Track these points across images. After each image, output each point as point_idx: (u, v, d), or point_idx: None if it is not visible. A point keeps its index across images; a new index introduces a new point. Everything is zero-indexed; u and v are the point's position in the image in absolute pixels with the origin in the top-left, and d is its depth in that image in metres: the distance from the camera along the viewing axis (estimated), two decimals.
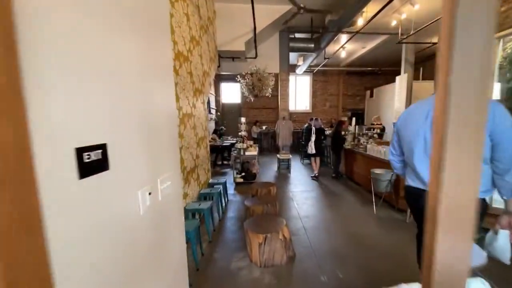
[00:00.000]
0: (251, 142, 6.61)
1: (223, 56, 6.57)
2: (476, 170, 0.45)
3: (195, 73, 3.95)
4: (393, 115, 7.68)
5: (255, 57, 7.16)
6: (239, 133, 6.22)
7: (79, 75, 0.71)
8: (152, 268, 1.11)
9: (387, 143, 5.23)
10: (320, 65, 10.75)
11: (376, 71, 11.90)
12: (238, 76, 5.92)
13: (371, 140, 5.31)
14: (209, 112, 10.33)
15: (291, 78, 12.56)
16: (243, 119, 7.19)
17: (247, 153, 5.51)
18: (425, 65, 9.89)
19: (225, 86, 12.83)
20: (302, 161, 8.95)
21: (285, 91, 7.38)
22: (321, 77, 12.66)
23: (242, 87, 5.94)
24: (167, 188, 1.27)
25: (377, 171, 4.01)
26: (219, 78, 12.44)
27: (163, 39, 1.28)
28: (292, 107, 12.85)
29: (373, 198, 4.02)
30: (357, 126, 6.72)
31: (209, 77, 4.94)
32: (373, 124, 6.19)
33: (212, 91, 11.96)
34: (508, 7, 3.47)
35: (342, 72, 12.52)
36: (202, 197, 3.71)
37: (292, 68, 11.99)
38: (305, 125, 8.86)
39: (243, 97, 12.65)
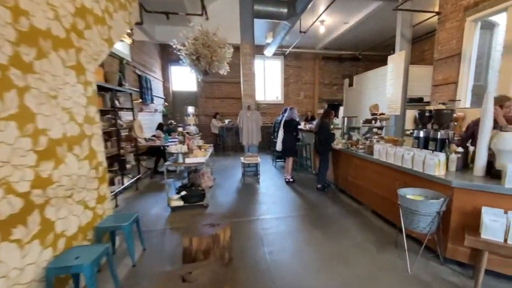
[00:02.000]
0: (200, 141, 4.70)
1: (150, 10, 4.50)
2: None
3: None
4: (386, 104, 6.34)
5: (206, 19, 5.21)
6: (179, 129, 4.26)
7: None
8: None
9: (393, 142, 3.69)
10: (293, 45, 9.12)
11: (357, 55, 10.65)
12: (174, 41, 3.94)
13: (376, 137, 3.73)
14: (151, 101, 8.12)
15: (259, 61, 10.79)
16: (190, 109, 5.23)
17: (188, 160, 3.59)
18: (413, 47, 8.80)
19: (176, 70, 10.61)
20: (274, 163, 7.25)
21: (249, 71, 5.57)
22: (294, 62, 11.08)
23: (183, 59, 3.99)
24: None
25: (411, 192, 2.39)
26: (167, 60, 10.20)
27: None
28: (261, 97, 11.11)
29: (404, 241, 2.39)
30: (345, 119, 5.15)
31: (110, 31, 2.90)
32: (375, 115, 4.65)
33: (159, 75, 9.69)
34: None
35: (317, 57, 11.07)
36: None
37: (260, 49, 10.23)
38: (278, 118, 7.17)
39: (200, 83, 10.61)
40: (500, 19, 6.17)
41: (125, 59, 5.23)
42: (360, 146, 3.78)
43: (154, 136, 7.86)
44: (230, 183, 5.31)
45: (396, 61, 6.35)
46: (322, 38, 9.33)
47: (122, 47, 6.40)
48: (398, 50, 6.32)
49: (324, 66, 11.34)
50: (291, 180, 5.26)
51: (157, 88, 9.26)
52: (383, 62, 10.21)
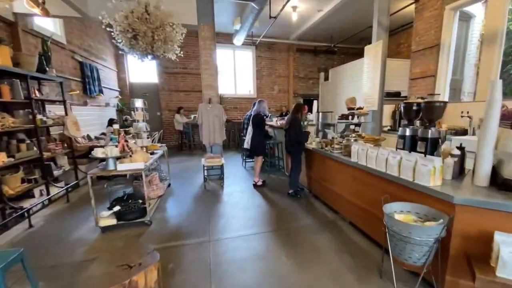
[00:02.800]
0: (146, 141, 3.95)
1: None
2: None
3: None
4: (363, 99, 5.97)
5: None
6: (114, 127, 3.48)
7: None
8: None
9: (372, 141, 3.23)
10: (264, 33, 8.52)
11: (332, 47, 10.32)
12: (104, 14, 3.10)
13: (353, 135, 3.23)
14: (99, 93, 7.12)
15: (228, 51, 10.09)
16: (138, 102, 4.46)
17: (122, 166, 2.84)
18: (389, 39, 8.60)
19: (134, 59, 9.54)
20: (244, 164, 6.64)
21: (209, 57, 4.87)
22: (266, 53, 10.50)
23: (116, 37, 3.18)
24: None
25: (399, 208, 1.89)
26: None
27: None
28: (231, 91, 10.43)
29: (393, 270, 1.88)
30: (320, 114, 4.67)
31: None
32: (352, 109, 4.18)
33: (111, 64, 8.63)
34: None
35: (291, 48, 10.58)
36: None
37: (228, 38, 9.51)
38: (247, 113, 6.56)
39: (163, 74, 9.66)
40: (477, 10, 6.04)
41: (50, 39, 4.29)
42: (336, 146, 3.28)
43: (104, 134, 6.91)
44: (188, 190, 4.61)
45: (373, 52, 5.99)
46: (295, 27, 8.82)
47: (52, 26, 5.39)
48: (375, 41, 5.96)
49: (298, 58, 10.90)
50: (259, 183, 4.69)
51: (108, 78, 8.23)
52: (358, 55, 9.98)
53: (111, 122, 7.15)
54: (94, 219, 2.90)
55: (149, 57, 3.47)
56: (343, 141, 3.18)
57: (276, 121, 6.18)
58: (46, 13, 3.11)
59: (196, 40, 9.44)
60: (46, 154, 3.91)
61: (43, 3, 2.97)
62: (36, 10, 2.90)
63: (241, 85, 10.66)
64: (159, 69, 9.57)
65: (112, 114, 8.17)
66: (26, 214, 3.16)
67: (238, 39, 8.53)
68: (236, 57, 10.37)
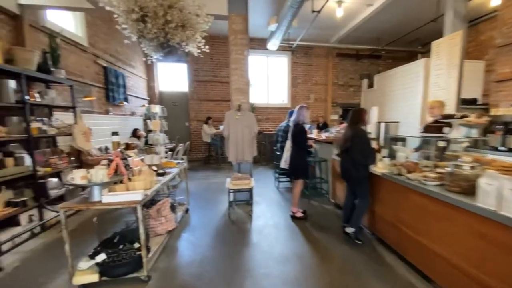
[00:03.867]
0: (156, 157, 3.09)
1: None
2: None
3: None
4: (429, 106, 4.56)
5: None
6: (114, 139, 2.62)
7: None
8: None
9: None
10: (303, 34, 7.53)
11: (378, 50, 9.01)
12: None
13: (469, 159, 1.98)
14: (124, 101, 6.58)
15: (261, 58, 9.23)
16: (156, 108, 3.68)
17: (109, 199, 1.92)
18: None
19: (164, 67, 9.13)
20: (277, 183, 5.56)
21: (240, 55, 3.96)
22: (303, 59, 9.48)
23: (119, 20, 2.36)
24: None
25: None
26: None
27: None
28: (263, 100, 9.53)
29: None
30: (383, 125, 3.47)
31: None
32: (449, 117, 2.85)
33: (142, 73, 8.17)
34: None
35: (331, 53, 9.45)
36: None
37: (262, 43, 8.67)
38: (282, 124, 5.52)
39: (193, 83, 9.04)
40: None
41: (60, 35, 3.67)
42: (430, 175, 2.08)
43: (128, 147, 6.29)
44: (209, 220, 3.63)
45: (446, 47, 4.66)
46: (337, 27, 7.72)
47: (73, 27, 4.88)
48: (448, 33, 4.65)
49: (338, 64, 9.72)
50: (299, 215, 3.57)
51: (136, 86, 7.73)
52: (407, 60, 8.58)
53: (135, 132, 6.53)
54: (68, 272, 2.00)
55: (165, 49, 2.59)
56: (447, 168, 1.98)
57: (318, 133, 5.04)
58: None
59: (227, 46, 8.85)
60: (44, 170, 3.19)
61: None
62: None
63: (274, 94, 9.71)
64: (189, 77, 8.98)
65: (138, 124, 7.61)
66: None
67: (274, 43, 7.62)
68: (269, 64, 9.48)
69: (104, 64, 5.84)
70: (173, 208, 3.15)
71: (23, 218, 2.80)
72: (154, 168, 3.01)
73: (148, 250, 2.18)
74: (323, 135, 4.32)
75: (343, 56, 9.63)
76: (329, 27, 7.63)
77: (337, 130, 4.15)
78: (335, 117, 9.89)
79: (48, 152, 3.55)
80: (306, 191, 4.40)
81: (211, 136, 8.37)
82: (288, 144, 3.52)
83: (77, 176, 1.88)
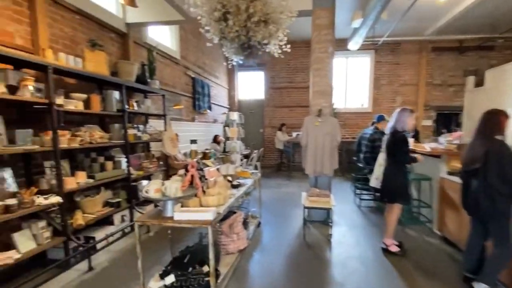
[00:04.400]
0: (231, 167, 2.87)
1: None
2: None
3: None
4: None
5: None
6: (192, 148, 2.50)
7: None
8: None
9: None
10: (391, 29, 6.45)
11: (493, 39, 7.05)
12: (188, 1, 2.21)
13: None
14: (208, 109, 6.85)
15: (340, 59, 8.42)
16: (234, 115, 3.55)
17: (180, 216, 1.72)
18: None
19: (243, 77, 9.31)
20: (357, 200, 4.78)
21: (323, 52, 3.45)
22: (389, 57, 8.24)
23: (203, 24, 2.23)
24: None
25: None
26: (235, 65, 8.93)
27: None
28: (340, 104, 8.67)
29: None
30: None
31: None
32: None
33: (224, 82, 8.49)
34: None
35: (425, 47, 7.92)
36: None
37: (341, 43, 7.86)
38: (366, 131, 4.73)
39: (269, 90, 8.92)
40: None
41: (156, 48, 3.91)
42: None
43: (207, 150, 6.53)
44: (282, 237, 3.22)
45: None
46: (437, 16, 6.33)
47: (169, 42, 5.26)
48: None
49: (434, 60, 8.07)
50: (393, 249, 2.75)
51: (218, 95, 8.03)
52: None
53: (215, 138, 6.73)
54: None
55: (246, 51, 2.35)
56: None
57: (416, 142, 4.05)
58: (131, 3, 2.50)
59: (305, 51, 8.43)
60: (136, 173, 3.39)
61: None
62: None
63: (352, 97, 8.73)
64: (266, 84, 8.90)
65: (219, 130, 7.88)
66: (87, 252, 2.51)
67: (355, 42, 6.78)
68: (348, 65, 8.58)
69: (193, 75, 6.17)
70: (245, 223, 2.88)
71: (117, 218, 2.97)
72: (229, 178, 2.80)
73: (217, 275, 1.91)
74: (427, 146, 3.37)
75: (441, 51, 7.94)
76: (424, 18, 6.34)
77: (448, 141, 3.18)
78: (428, 122, 8.23)
79: (142, 156, 3.79)
80: (401, 217, 3.51)
81: (284, 143, 8.02)
82: (382, 157, 2.82)
83: (152, 189, 1.76)
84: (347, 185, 5.99)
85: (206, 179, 2.20)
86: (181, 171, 2.09)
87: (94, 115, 3.02)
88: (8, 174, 2.08)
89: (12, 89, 1.99)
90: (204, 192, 2.02)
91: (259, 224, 3.51)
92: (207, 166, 2.71)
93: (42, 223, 2.15)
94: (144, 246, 2.62)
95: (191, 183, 1.94)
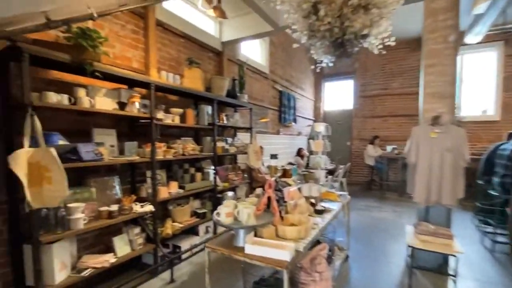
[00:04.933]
0: (315, 188, 2.36)
1: None
2: None
3: None
4: None
5: None
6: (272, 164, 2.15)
7: None
8: None
9: None
10: None
11: None
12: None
13: None
14: (293, 122, 6.55)
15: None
16: (320, 127, 3.15)
17: (252, 249, 1.37)
18: None
19: (330, 87, 8.66)
20: (489, 243, 3.41)
21: (440, 44, 2.51)
22: None
23: (289, 22, 1.88)
24: None
25: None
26: (321, 75, 8.43)
27: None
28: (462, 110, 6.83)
29: None
30: None
31: None
32: None
33: (310, 94, 8.07)
34: None
35: None
36: None
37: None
38: (506, 146, 3.36)
39: (358, 99, 7.93)
40: None
41: (246, 64, 3.87)
42: None
43: (291, 164, 6.19)
44: (377, 283, 2.47)
45: None
46: None
47: (259, 58, 5.25)
48: None
49: None
50: None
51: (303, 107, 7.64)
52: None
53: (299, 151, 6.32)
54: None
55: (338, 49, 1.87)
56: None
57: None
58: (222, 15, 2.44)
59: (404, 53, 7.09)
60: (222, 185, 3.33)
61: (219, 2, 2.28)
62: (211, 12, 2.25)
63: (469, 103, 6.73)
64: (355, 93, 7.96)
65: (303, 143, 7.43)
66: (169, 262, 2.48)
67: (477, 33, 5.14)
68: (464, 63, 6.69)
69: (280, 89, 6.01)
70: (329, 258, 2.31)
71: (202, 228, 2.92)
72: (312, 200, 2.32)
73: None
74: None
75: None
76: None
77: None
78: None
79: (229, 168, 3.74)
80: None
81: (376, 158, 6.83)
82: None
83: (223, 212, 1.49)
84: (467, 217, 4.48)
85: (285, 202, 1.82)
86: (258, 190, 1.78)
87: (189, 129, 3.12)
88: (116, 181, 2.24)
89: (122, 106, 2.13)
90: (282, 217, 1.63)
91: (346, 258, 2.85)
92: (287, 184, 2.32)
93: (137, 229, 2.22)
94: (216, 267, 2.47)
95: (268, 206, 1.59)
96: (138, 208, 2.19)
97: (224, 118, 3.47)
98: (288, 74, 6.62)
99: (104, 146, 2.08)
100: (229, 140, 3.65)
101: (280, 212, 1.66)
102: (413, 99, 6.97)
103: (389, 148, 6.94)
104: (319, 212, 2.16)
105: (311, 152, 6.70)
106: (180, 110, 2.68)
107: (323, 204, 2.41)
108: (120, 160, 2.07)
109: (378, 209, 5.12)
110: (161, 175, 2.71)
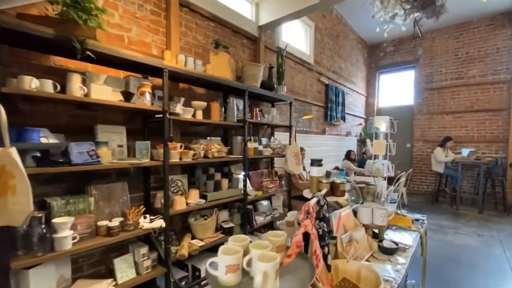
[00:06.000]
0: (379, 215, 1.61)
1: None
2: None
3: None
4: None
5: None
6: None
7: None
8: None
9: None
10: None
11: None
12: None
13: None
14: (342, 120, 5.71)
15: None
16: (382, 124, 2.30)
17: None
18: None
19: (386, 80, 7.46)
20: None
21: None
22: None
23: None
24: None
25: None
26: (376, 67, 7.30)
27: None
28: None
29: None
30: None
31: None
32: None
33: (361, 88, 7.04)
34: None
35: None
36: None
37: None
38: None
39: (422, 92, 6.57)
40: None
41: (284, 50, 3.23)
42: None
43: (337, 168, 5.33)
44: None
45: None
46: None
47: (303, 46, 4.56)
48: None
49: None
50: None
51: (354, 104, 6.66)
52: None
53: (349, 154, 5.43)
54: None
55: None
56: None
57: None
58: None
59: (485, 31, 5.54)
60: (256, 193, 2.77)
61: None
62: None
63: None
64: (417, 86, 6.64)
65: (352, 145, 6.47)
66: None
67: None
68: None
69: (327, 82, 5.22)
70: None
71: None
72: (375, 230, 1.59)
73: None
74: None
75: None
76: None
77: None
78: None
79: (264, 174, 3.17)
80: None
81: (446, 165, 5.51)
82: None
83: (222, 265, 0.86)
84: None
85: (333, 236, 1.15)
86: (291, 216, 1.14)
87: (216, 126, 2.63)
88: (124, 189, 1.84)
89: (128, 96, 1.71)
90: (328, 266, 0.98)
91: None
92: (338, 206, 1.62)
93: (145, 249, 1.78)
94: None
95: (305, 248, 0.96)
96: (146, 223, 1.75)
97: (258, 114, 2.89)
98: (337, 66, 5.75)
99: (108, 146, 1.69)
100: (264, 140, 3.06)
101: (325, 255, 1.00)
102: (499, 89, 5.45)
103: (464, 151, 5.56)
104: (389, 252, 1.43)
105: (364, 156, 5.72)
106: (203, 103, 2.19)
107: (391, 235, 1.66)
108: (122, 163, 1.65)
109: (454, 231, 3.98)
110: (182, 181, 2.26)
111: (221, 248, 0.86)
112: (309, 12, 2.93)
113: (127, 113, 1.94)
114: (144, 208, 1.83)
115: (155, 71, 1.88)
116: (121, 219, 1.70)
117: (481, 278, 2.56)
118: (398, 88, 7.23)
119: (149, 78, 1.92)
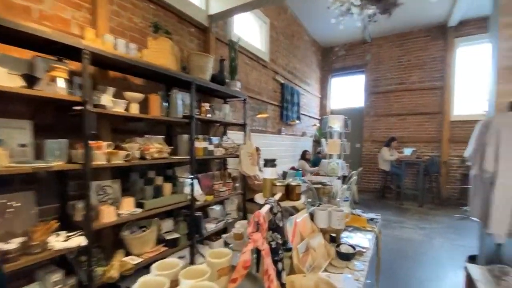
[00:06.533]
0: (339, 218, 1.58)
1: None
2: None
3: None
4: None
5: None
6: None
7: None
8: None
9: None
10: None
11: None
12: None
13: None
14: (297, 120, 5.79)
15: (480, 47, 5.88)
16: (335, 123, 2.34)
17: None
18: None
19: (338, 83, 7.90)
20: None
21: None
22: None
23: None
24: None
25: None
26: (329, 70, 7.66)
27: None
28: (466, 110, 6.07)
29: None
30: None
31: None
32: None
33: (315, 90, 7.30)
34: None
35: None
36: None
37: (481, 24, 5.46)
38: None
39: (370, 96, 7.13)
40: None
41: (237, 44, 3.10)
42: None
43: (293, 168, 5.40)
44: None
45: None
46: None
47: (258, 43, 4.49)
48: None
49: None
50: None
51: (308, 105, 6.87)
52: None
53: (304, 154, 5.54)
54: None
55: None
56: None
57: None
58: None
59: (424, 42, 6.25)
60: (205, 198, 2.55)
61: None
62: None
63: None
64: (366, 89, 7.17)
65: (307, 145, 6.66)
66: None
67: None
68: None
69: (282, 81, 5.24)
70: None
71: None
72: (333, 234, 1.55)
73: None
74: None
75: None
76: None
77: None
78: None
79: (216, 176, 2.97)
80: None
81: (391, 163, 6.04)
82: None
83: None
84: None
85: (288, 248, 1.05)
86: (240, 227, 1.00)
87: (157, 123, 2.35)
88: (29, 200, 1.47)
89: (32, 81, 1.36)
90: (282, 285, 0.86)
91: None
92: (294, 211, 1.53)
93: (59, 274, 1.44)
94: None
95: (257, 265, 0.82)
96: (58, 242, 1.42)
97: (209, 110, 2.69)
98: (292, 66, 5.86)
99: (3, 146, 1.32)
100: (215, 139, 2.87)
101: (279, 272, 0.88)
102: (435, 94, 6.19)
103: (407, 151, 6.16)
104: (347, 258, 1.37)
105: (318, 155, 5.92)
106: (138, 95, 1.91)
107: (348, 238, 1.64)
108: (22, 168, 1.30)
109: (400, 225, 4.33)
110: (112, 188, 1.93)
111: (140, 281, 0.66)
112: (262, 5, 2.85)
113: (32, 104, 1.57)
114: (58, 224, 1.48)
115: (74, 53, 1.55)
116: (23, 239, 1.34)
117: (426, 269, 2.77)
118: (349, 91, 7.72)
119: (66, 61, 1.59)
